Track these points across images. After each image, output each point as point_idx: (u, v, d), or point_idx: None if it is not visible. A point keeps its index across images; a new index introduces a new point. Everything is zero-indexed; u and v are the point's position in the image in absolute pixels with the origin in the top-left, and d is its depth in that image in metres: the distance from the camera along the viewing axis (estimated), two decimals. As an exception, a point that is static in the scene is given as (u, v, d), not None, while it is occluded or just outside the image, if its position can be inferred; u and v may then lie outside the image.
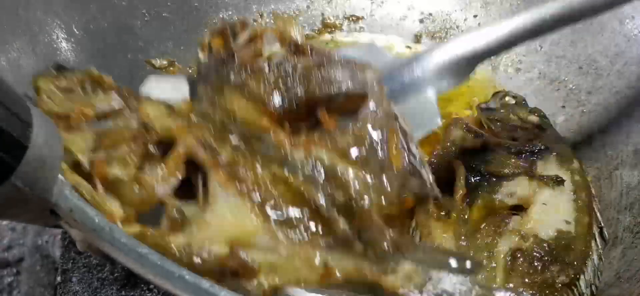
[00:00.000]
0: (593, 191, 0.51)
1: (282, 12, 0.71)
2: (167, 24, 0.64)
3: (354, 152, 0.40)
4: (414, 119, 0.46)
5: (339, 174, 0.39)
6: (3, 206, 0.31)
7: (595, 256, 0.46)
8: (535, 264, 0.44)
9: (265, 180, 0.39)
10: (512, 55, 0.69)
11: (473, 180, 0.50)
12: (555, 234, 0.46)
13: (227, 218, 0.37)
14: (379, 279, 0.37)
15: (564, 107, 0.63)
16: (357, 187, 0.39)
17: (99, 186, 0.36)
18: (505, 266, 0.44)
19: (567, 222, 0.47)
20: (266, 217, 0.37)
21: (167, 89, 0.48)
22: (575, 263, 0.44)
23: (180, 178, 0.38)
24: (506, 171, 0.50)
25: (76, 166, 0.36)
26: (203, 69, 0.45)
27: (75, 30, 0.54)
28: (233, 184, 0.38)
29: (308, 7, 0.72)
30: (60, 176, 0.34)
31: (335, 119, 0.42)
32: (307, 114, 0.43)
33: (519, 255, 0.44)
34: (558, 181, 0.49)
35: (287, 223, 0.38)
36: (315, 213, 0.38)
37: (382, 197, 0.40)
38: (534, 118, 0.58)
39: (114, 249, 0.33)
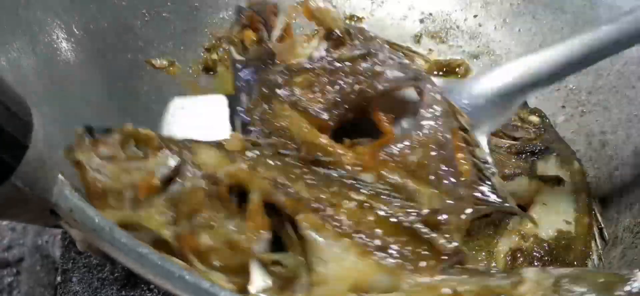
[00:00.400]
0: (593, 192, 0.51)
1: (282, 12, 0.71)
2: (167, 24, 0.64)
3: (424, 169, 0.37)
4: None
5: (416, 196, 0.36)
6: (3, 206, 0.31)
7: (595, 257, 0.46)
8: (536, 264, 0.44)
9: (354, 213, 0.35)
10: (512, 55, 0.69)
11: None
12: (556, 234, 0.46)
13: (340, 266, 0.34)
14: (511, 293, 0.34)
15: (564, 107, 0.63)
16: (435, 205, 0.36)
17: (196, 262, 0.33)
18: (505, 265, 0.44)
19: (567, 222, 0.47)
20: (371, 253, 0.34)
21: (196, 110, 0.44)
22: (575, 263, 0.45)
23: (270, 231, 0.35)
24: (506, 171, 0.50)
25: (159, 244, 0.33)
26: (241, 72, 0.41)
27: (75, 30, 0.54)
28: (326, 225, 0.35)
29: (308, 7, 0.72)
30: (60, 176, 0.33)
31: (392, 121, 0.39)
32: (358, 115, 0.39)
33: (519, 255, 0.44)
34: (558, 181, 0.49)
35: (393, 254, 0.35)
36: (413, 235, 0.35)
37: (460, 215, 0.37)
38: (534, 118, 0.58)
39: (114, 249, 0.33)
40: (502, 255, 0.44)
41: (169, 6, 0.64)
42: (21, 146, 0.30)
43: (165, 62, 0.62)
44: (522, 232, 0.46)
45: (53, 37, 0.51)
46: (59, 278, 0.53)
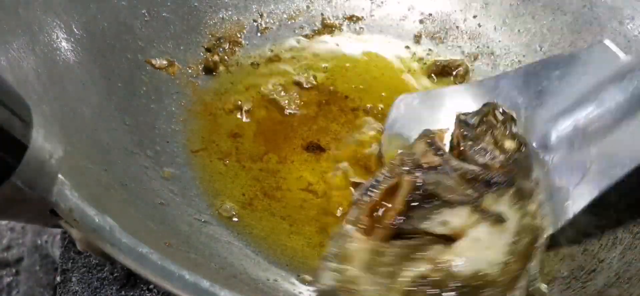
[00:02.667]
0: (544, 240, 0.47)
1: (282, 12, 0.71)
2: (167, 24, 0.64)
3: None
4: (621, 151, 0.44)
5: None
6: (3, 206, 0.31)
7: None
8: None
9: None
10: (512, 55, 0.69)
11: (414, 199, 0.46)
12: (471, 273, 0.42)
13: None
14: None
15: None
16: None
17: None
18: (402, 292, 0.41)
19: (492, 264, 0.43)
20: None
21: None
22: None
23: None
24: (451, 196, 0.46)
25: None
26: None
27: (75, 30, 0.54)
28: None
29: (308, 7, 0.72)
30: (60, 176, 0.34)
31: None
32: None
33: (421, 284, 0.41)
34: (499, 220, 0.44)
35: None
36: None
37: None
38: (511, 145, 0.51)
39: (114, 249, 0.33)
40: (404, 280, 0.41)
41: (169, 6, 0.64)
42: (21, 146, 0.30)
43: (165, 62, 0.62)
44: (438, 262, 0.42)
45: (53, 37, 0.51)
46: (58, 278, 0.53)
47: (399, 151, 0.51)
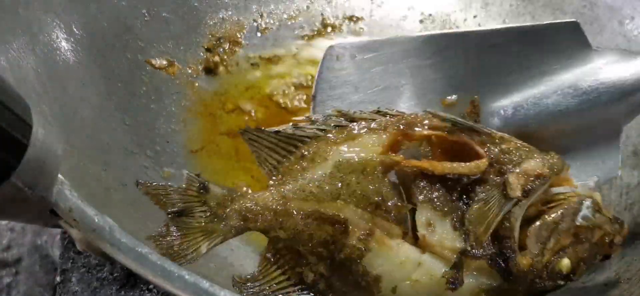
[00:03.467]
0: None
1: (282, 12, 0.71)
2: (167, 24, 0.64)
3: None
4: (590, 160, 0.43)
5: None
6: (3, 206, 0.31)
7: None
8: None
9: None
10: (512, 55, 0.69)
11: (452, 181, 0.41)
12: (374, 276, 0.40)
13: None
14: None
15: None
16: None
17: None
18: None
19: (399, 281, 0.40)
20: None
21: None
22: None
23: None
24: (470, 218, 0.40)
25: None
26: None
27: (75, 30, 0.54)
28: None
29: (308, 7, 0.72)
30: (60, 176, 0.34)
31: None
32: None
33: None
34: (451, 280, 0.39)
35: None
36: None
37: None
38: (563, 266, 0.41)
39: (113, 249, 0.33)
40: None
41: (169, 6, 0.64)
42: (21, 146, 0.30)
43: (164, 62, 0.62)
44: (386, 234, 0.40)
45: (53, 37, 0.51)
46: (58, 278, 0.53)
47: (534, 165, 0.42)
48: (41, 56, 0.48)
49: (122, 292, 0.51)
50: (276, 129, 0.43)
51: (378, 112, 0.44)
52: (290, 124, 0.43)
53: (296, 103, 0.63)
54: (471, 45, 0.52)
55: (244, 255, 0.49)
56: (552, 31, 0.51)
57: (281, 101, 0.63)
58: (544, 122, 0.49)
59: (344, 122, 0.43)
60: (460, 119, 0.43)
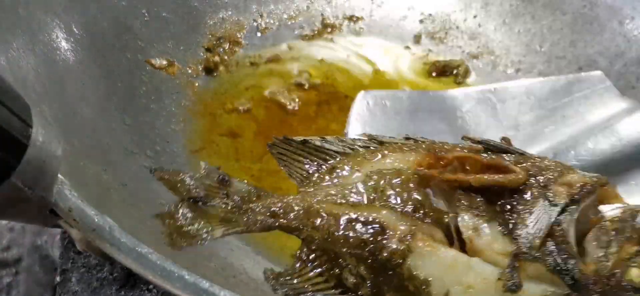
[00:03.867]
0: None
1: (282, 12, 0.71)
2: (167, 24, 0.64)
3: None
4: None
5: None
6: (3, 205, 0.31)
7: None
8: None
9: None
10: (512, 55, 0.69)
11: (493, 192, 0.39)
12: (422, 279, 0.37)
13: None
14: None
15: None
16: None
17: None
18: None
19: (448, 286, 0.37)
20: None
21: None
22: None
23: None
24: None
25: None
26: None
27: (75, 30, 0.54)
28: None
29: (308, 7, 0.72)
30: (60, 175, 0.33)
31: None
32: None
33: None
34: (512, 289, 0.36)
35: None
36: None
37: None
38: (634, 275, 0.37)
39: (113, 249, 0.33)
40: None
41: (168, 6, 0.64)
42: (21, 146, 0.30)
43: (164, 62, 0.62)
44: (426, 239, 0.39)
45: (52, 37, 0.51)
46: (57, 278, 0.53)
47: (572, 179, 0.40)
48: (41, 55, 0.48)
49: (122, 292, 0.51)
50: (304, 139, 0.42)
51: (407, 138, 0.43)
52: (318, 137, 0.43)
53: (296, 103, 0.63)
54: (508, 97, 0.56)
55: (244, 254, 0.49)
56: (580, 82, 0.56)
57: (281, 100, 0.63)
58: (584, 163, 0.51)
59: (373, 146, 0.43)
60: (493, 141, 0.42)
